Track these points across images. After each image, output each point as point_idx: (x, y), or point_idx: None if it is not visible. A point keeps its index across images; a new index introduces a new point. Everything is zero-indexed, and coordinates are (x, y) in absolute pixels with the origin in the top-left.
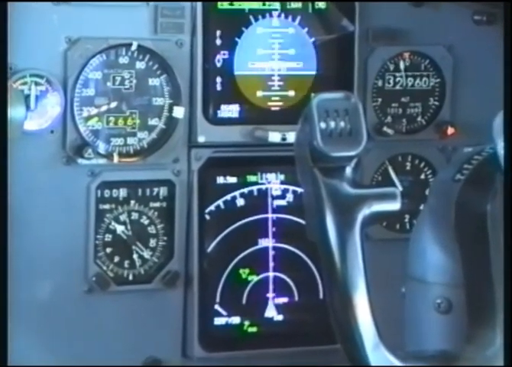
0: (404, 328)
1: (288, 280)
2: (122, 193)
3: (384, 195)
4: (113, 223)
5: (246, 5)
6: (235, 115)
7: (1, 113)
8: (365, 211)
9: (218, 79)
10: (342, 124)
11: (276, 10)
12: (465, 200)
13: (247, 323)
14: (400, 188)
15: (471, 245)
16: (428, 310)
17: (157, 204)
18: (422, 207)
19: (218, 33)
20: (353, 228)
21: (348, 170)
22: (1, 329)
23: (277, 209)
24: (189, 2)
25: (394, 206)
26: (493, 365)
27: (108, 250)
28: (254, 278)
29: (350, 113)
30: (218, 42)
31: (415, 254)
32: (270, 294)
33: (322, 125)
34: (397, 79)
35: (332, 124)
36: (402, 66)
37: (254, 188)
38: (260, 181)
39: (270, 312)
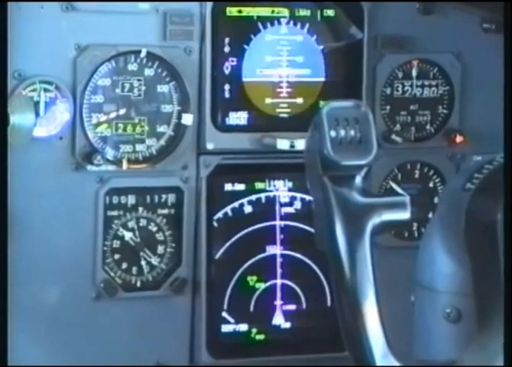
0: (413, 336)
1: (296, 287)
2: (131, 199)
3: (394, 204)
4: (121, 230)
5: (255, 13)
6: (244, 122)
7: (2, 119)
8: (375, 220)
9: (227, 87)
10: (352, 132)
11: (284, 17)
12: (475, 209)
13: (254, 330)
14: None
15: (480, 254)
16: (437, 319)
17: (166, 211)
18: (430, 215)
19: (226, 40)
20: (363, 237)
21: (358, 179)
22: (1, 330)
23: (285, 217)
24: (198, 9)
25: (404, 215)
26: (493, 365)
27: (117, 256)
28: (262, 285)
29: (360, 122)
30: (227, 49)
31: (424, 263)
32: (278, 302)
33: (332, 133)
34: (406, 86)
35: (342, 132)
36: (410, 73)
37: (262, 195)
38: (268, 188)
39: (278, 319)
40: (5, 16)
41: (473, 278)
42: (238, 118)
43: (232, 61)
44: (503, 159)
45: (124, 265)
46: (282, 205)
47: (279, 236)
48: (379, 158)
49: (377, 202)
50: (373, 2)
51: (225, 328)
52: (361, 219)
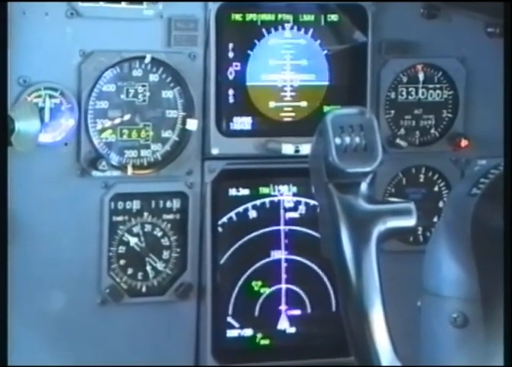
0: (420, 341)
1: (301, 292)
2: (136, 205)
3: (399, 211)
4: (126, 235)
5: (258, 18)
6: (248, 127)
7: (1, 122)
8: (380, 227)
9: (231, 92)
10: (357, 139)
11: (288, 22)
12: (481, 215)
13: (259, 335)
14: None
15: (487, 259)
16: (444, 324)
17: (170, 216)
18: (435, 219)
19: (230, 45)
20: (368, 244)
21: (364, 186)
22: (1, 331)
23: (290, 221)
24: (203, 15)
25: (410, 221)
26: (493, 365)
27: (122, 262)
28: (267, 290)
29: (365, 129)
30: (231, 54)
31: (430, 268)
32: (283, 307)
33: (337, 140)
34: (410, 91)
35: (347, 139)
36: (415, 78)
37: (267, 200)
38: (272, 193)
39: (283, 324)
40: (5, 17)
41: (479, 283)
42: (243, 123)
43: (236, 66)
44: (504, 162)
45: (130, 271)
46: (286, 210)
47: (283, 241)
48: (383, 163)
49: (383, 210)
50: (377, 7)
51: (230, 333)
52: (367, 226)
